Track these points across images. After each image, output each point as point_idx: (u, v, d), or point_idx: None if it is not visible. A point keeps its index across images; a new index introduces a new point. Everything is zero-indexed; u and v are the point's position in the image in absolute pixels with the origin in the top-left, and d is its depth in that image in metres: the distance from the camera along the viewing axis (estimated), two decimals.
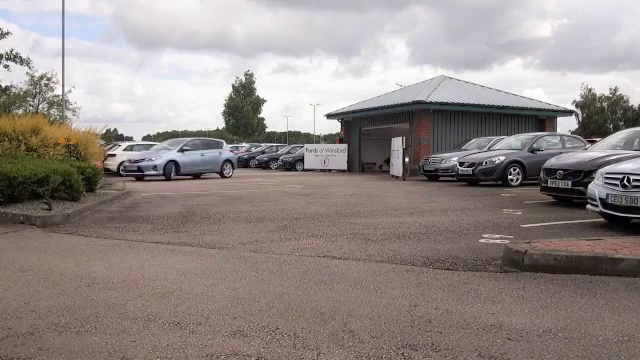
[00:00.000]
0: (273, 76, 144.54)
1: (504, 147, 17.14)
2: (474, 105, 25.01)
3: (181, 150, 21.39)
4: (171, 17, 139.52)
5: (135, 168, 20.51)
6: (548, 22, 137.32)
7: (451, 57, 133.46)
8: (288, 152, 35.49)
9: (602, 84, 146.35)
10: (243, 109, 72.08)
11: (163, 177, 20.36)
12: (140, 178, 20.29)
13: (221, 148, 23.37)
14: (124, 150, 25.04)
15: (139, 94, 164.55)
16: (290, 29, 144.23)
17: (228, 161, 23.19)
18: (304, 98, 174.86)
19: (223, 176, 22.59)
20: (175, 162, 20.81)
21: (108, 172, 21.51)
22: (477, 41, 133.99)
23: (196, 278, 4.85)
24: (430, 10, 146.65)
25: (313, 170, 29.61)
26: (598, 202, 7.41)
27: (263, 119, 77.50)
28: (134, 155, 21.90)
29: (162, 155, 20.90)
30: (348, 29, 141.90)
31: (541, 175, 10.78)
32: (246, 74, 75.64)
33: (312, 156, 30.55)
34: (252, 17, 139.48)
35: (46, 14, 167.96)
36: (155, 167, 20.35)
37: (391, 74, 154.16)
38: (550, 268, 4.98)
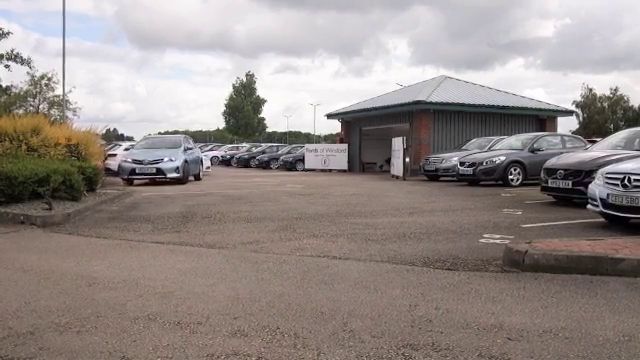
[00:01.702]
0: (275, 76, 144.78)
1: (504, 147, 17.13)
2: (474, 105, 25.00)
3: (185, 150, 19.12)
4: (173, 17, 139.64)
5: (154, 170, 17.59)
6: (550, 22, 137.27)
7: (453, 57, 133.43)
8: (288, 152, 35.49)
9: (603, 84, 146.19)
10: (243, 109, 72.06)
11: (181, 179, 17.81)
12: (130, 182, 17.67)
13: (194, 147, 21.56)
14: (125, 150, 25.01)
15: (140, 94, 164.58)
16: (292, 29, 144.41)
17: (201, 161, 21.56)
18: (305, 98, 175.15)
19: (198, 178, 20.28)
20: (187, 163, 18.62)
21: (109, 172, 21.45)
22: (479, 41, 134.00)
23: (197, 278, 4.85)
24: (432, 10, 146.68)
25: (313, 170, 29.60)
26: (599, 202, 7.41)
27: (263, 119, 77.51)
28: (139, 155, 18.32)
29: (179, 156, 18.37)
30: (350, 29, 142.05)
31: (541, 175, 10.77)
32: (247, 74, 75.64)
33: (312, 156, 30.55)
34: (254, 17, 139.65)
35: (49, 14, 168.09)
36: (177, 169, 17.75)
37: (393, 74, 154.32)
38: (551, 268, 4.97)
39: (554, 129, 26.36)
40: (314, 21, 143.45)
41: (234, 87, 74.21)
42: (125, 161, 18.09)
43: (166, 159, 17.93)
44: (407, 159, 21.64)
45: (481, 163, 16.17)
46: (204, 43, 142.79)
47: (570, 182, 9.85)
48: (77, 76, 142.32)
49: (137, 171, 17.71)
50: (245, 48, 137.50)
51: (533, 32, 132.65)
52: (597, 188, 7.51)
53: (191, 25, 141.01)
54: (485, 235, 6.99)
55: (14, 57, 19.69)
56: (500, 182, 15.79)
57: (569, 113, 30.57)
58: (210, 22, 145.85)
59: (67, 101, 41.84)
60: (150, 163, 17.80)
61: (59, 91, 45.42)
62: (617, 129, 50.75)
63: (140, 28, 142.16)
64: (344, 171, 28.65)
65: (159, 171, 17.68)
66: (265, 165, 34.75)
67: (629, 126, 37.99)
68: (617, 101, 66.10)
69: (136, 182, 18.05)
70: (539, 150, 15.84)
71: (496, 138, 19.89)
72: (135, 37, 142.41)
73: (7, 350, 3.11)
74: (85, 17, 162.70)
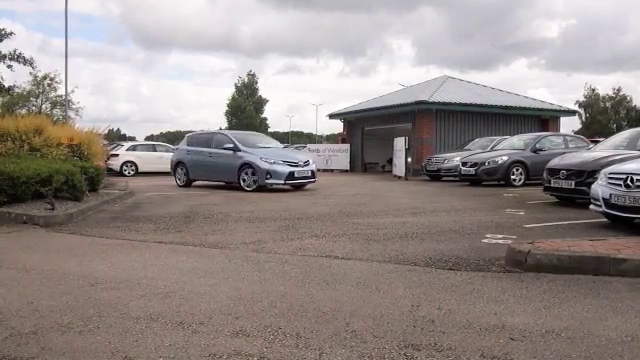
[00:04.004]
0: (279, 76, 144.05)
1: (507, 147, 17.11)
2: (477, 105, 24.97)
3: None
4: (179, 18, 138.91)
5: (309, 173, 15.03)
6: (555, 22, 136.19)
7: (457, 58, 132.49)
8: None
9: (607, 85, 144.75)
10: (246, 109, 72.27)
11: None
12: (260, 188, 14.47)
13: None
14: (127, 150, 25.10)
15: (144, 94, 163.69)
16: (297, 30, 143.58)
17: None
18: (309, 98, 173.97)
19: None
20: None
21: (111, 172, 21.48)
22: (483, 42, 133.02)
23: (199, 278, 4.86)
24: (437, 11, 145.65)
25: None
26: (601, 202, 7.40)
27: (266, 119, 77.73)
28: (283, 156, 15.20)
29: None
30: (354, 30, 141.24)
31: (544, 175, 10.76)
32: (249, 74, 75.94)
33: (314, 156, 30.45)
34: (259, 18, 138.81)
35: (54, 14, 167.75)
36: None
37: (396, 74, 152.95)
38: (553, 268, 4.97)
39: (557, 129, 26.31)
40: (319, 22, 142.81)
41: (236, 87, 74.46)
42: (274, 163, 14.53)
43: (310, 160, 15.65)
44: (409, 159, 21.62)
45: (483, 163, 16.16)
46: (209, 44, 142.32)
47: (573, 182, 9.84)
48: (82, 76, 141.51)
49: (295, 175, 14.65)
50: (250, 49, 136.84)
51: (538, 33, 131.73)
52: (600, 188, 7.50)
53: (196, 26, 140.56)
54: (487, 235, 6.98)
55: (16, 57, 19.65)
56: (502, 182, 15.77)
57: (572, 113, 30.52)
58: (215, 23, 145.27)
59: (70, 101, 41.83)
60: (305, 165, 15.02)
61: (62, 91, 45.46)
62: (620, 129, 50.67)
63: (145, 29, 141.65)
64: (346, 171, 28.63)
65: (313, 174, 15.24)
66: None
67: (632, 126, 37.95)
68: (620, 101, 66.02)
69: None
70: (542, 150, 15.82)
71: (498, 138, 19.88)
72: (140, 38, 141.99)
73: (9, 350, 3.12)
74: (90, 18, 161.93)
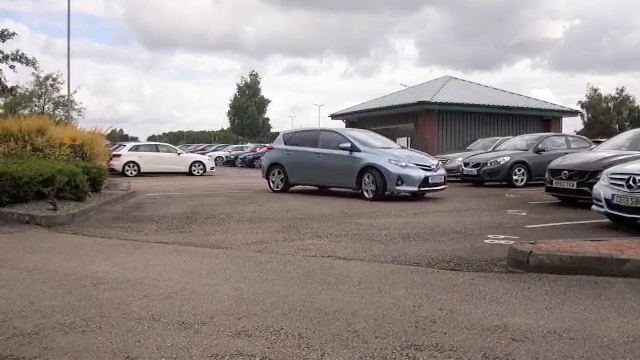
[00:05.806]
0: (282, 77, 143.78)
1: (509, 147, 17.09)
2: (479, 105, 24.97)
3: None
4: (183, 18, 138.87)
5: (442, 179, 12.58)
6: (559, 23, 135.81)
7: (460, 58, 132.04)
8: None
9: (610, 85, 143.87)
10: (248, 109, 72.34)
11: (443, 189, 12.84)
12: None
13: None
14: (129, 150, 25.12)
15: (147, 94, 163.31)
16: (300, 30, 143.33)
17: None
18: (312, 99, 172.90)
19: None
20: None
21: (113, 172, 21.49)
22: (487, 42, 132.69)
23: (201, 278, 4.86)
24: (440, 11, 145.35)
25: None
26: (603, 203, 7.38)
27: (268, 119, 77.77)
28: (415, 158, 12.69)
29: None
30: (358, 30, 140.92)
31: (546, 176, 10.74)
32: (251, 74, 76.02)
33: None
34: (263, 18, 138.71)
35: (58, 15, 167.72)
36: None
37: (400, 75, 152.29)
38: (555, 269, 4.96)
39: (559, 129, 26.29)
40: (322, 22, 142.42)
41: (239, 87, 74.53)
42: (406, 166, 12.09)
43: (440, 163, 13.40)
44: None
45: (485, 164, 16.13)
46: (213, 44, 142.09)
47: (575, 183, 9.82)
48: (85, 77, 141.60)
49: (430, 181, 12.16)
50: (253, 49, 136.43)
51: (541, 33, 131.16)
52: (602, 189, 7.49)
53: (200, 26, 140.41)
54: (489, 236, 6.98)
55: (19, 58, 19.66)
56: (504, 183, 15.75)
57: (574, 113, 30.52)
58: (219, 23, 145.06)
59: (72, 101, 41.91)
60: (437, 169, 12.61)
61: (64, 91, 45.55)
62: (622, 129, 50.59)
63: (149, 29, 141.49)
64: None
65: (445, 179, 12.92)
66: None
67: (634, 126, 37.85)
68: (622, 101, 65.99)
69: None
70: (544, 151, 15.80)
71: (500, 138, 19.86)
72: (144, 38, 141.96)
73: (12, 350, 3.13)
74: (94, 18, 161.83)
